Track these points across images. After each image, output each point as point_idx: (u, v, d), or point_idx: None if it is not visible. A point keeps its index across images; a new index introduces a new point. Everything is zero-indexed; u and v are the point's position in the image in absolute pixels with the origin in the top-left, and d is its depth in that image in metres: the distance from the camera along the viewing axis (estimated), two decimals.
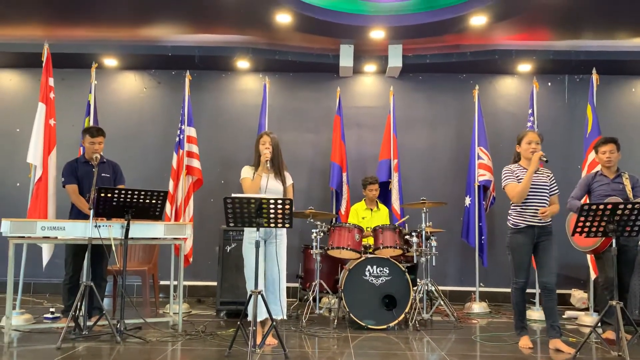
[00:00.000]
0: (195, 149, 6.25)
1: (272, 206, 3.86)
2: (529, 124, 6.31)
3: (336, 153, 6.69)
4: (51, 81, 5.37)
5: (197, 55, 6.92)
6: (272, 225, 3.96)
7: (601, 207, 3.87)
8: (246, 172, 4.51)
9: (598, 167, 5.38)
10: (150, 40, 6.88)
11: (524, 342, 4.41)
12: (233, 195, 3.84)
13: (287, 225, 3.98)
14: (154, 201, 4.50)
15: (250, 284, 4.39)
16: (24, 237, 4.39)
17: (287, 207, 3.87)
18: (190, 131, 6.24)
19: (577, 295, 6.78)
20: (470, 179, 6.62)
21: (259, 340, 4.16)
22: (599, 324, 4.85)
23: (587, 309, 6.29)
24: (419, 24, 5.94)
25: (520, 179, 4.34)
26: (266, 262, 4.42)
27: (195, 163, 6.22)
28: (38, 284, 7.04)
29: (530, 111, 6.35)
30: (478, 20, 5.86)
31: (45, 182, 5.22)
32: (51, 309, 5.42)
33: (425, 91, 7.48)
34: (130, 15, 6.22)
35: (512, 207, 4.45)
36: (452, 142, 7.37)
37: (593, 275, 5.65)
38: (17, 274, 5.16)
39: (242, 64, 7.24)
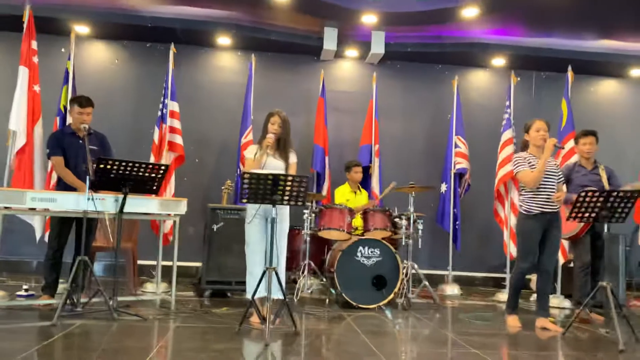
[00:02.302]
0: (177, 124, 6.08)
1: (288, 183, 3.84)
2: (506, 116, 6.58)
3: (320, 136, 6.72)
4: (34, 44, 5.04)
5: (179, 28, 6.69)
6: (285, 202, 3.94)
7: (597, 194, 4.13)
8: (250, 151, 4.46)
9: (573, 159, 5.74)
10: (128, 9, 6.57)
11: (513, 321, 4.62)
12: (252, 170, 3.79)
13: (299, 202, 3.97)
14: (153, 174, 4.34)
15: (251, 262, 4.36)
16: (10, 207, 4.13)
17: (304, 184, 3.87)
18: (174, 106, 6.05)
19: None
20: (447, 166, 6.84)
21: (257, 318, 4.15)
22: (575, 304, 5.20)
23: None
24: (411, 11, 6.04)
25: (533, 165, 4.45)
26: (267, 240, 4.38)
27: (178, 139, 6.06)
28: None
29: (507, 103, 6.63)
30: (470, 12, 6.03)
31: (30, 152, 4.94)
32: (24, 287, 5.13)
33: (402, 79, 7.62)
34: None
35: (523, 194, 4.54)
36: (426, 130, 7.57)
37: (561, 260, 6.01)
38: None
39: (224, 40, 7.07)
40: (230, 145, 7.13)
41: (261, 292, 4.13)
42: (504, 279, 6.53)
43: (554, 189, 4.48)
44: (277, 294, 4.17)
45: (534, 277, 7.12)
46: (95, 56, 7.19)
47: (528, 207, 4.49)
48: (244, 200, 3.90)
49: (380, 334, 4.10)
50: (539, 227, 4.45)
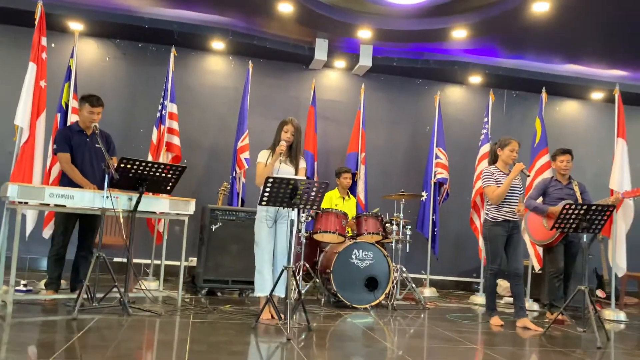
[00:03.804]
0: (175, 125, 6.20)
1: (307, 188, 4.09)
2: (484, 131, 7.06)
3: (309, 142, 6.98)
4: (44, 40, 5.08)
5: (177, 30, 6.81)
6: (302, 206, 4.19)
7: (579, 207, 4.59)
8: (262, 156, 4.68)
9: (548, 174, 6.26)
10: (124, 9, 6.65)
11: (495, 320, 5.05)
12: (275, 175, 4.02)
13: (315, 206, 4.23)
14: (169, 175, 4.49)
15: (260, 261, 4.56)
16: (27, 203, 4.18)
17: (322, 189, 4.13)
18: (173, 108, 6.18)
19: (503, 285, 7.69)
20: (427, 175, 7.25)
21: (267, 315, 4.38)
22: (543, 306, 5.68)
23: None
24: (404, 29, 6.40)
25: (499, 181, 4.96)
26: (276, 241, 4.60)
27: (176, 140, 6.18)
28: None
29: (485, 120, 7.11)
30: (459, 33, 6.47)
31: (32, 145, 4.97)
32: (23, 282, 5.13)
33: (385, 91, 8.00)
34: None
35: (489, 204, 5.06)
36: (407, 140, 7.98)
37: (537, 267, 6.49)
38: None
39: (217, 45, 7.23)
40: (219, 147, 7.31)
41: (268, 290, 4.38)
42: (475, 283, 6.97)
43: (516, 201, 5.02)
44: (283, 293, 4.43)
45: (501, 283, 7.66)
46: (88, 53, 7.18)
47: (494, 215, 5.02)
48: (263, 203, 4.11)
49: (386, 332, 4.41)
50: (504, 233, 4.99)
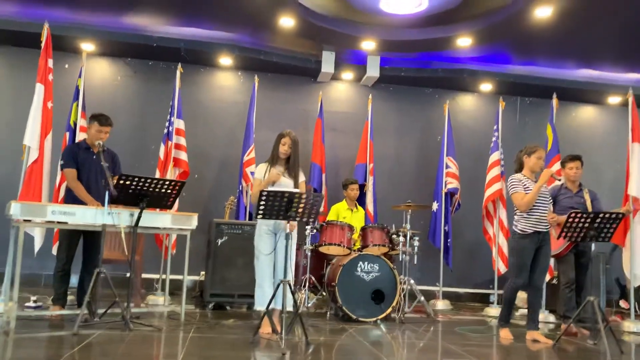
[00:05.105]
0: (183, 141, 6.28)
1: (302, 201, 4.07)
2: (494, 138, 6.95)
3: (317, 154, 6.98)
4: (50, 62, 5.21)
5: (184, 48, 6.92)
6: (298, 219, 4.18)
7: (585, 215, 4.46)
8: (259, 171, 4.66)
9: (557, 182, 6.10)
10: (133, 28, 6.79)
11: (505, 333, 4.91)
12: (270, 188, 4.02)
13: (312, 219, 4.21)
14: (169, 190, 4.53)
15: (260, 276, 4.55)
16: (30, 220, 4.27)
17: (317, 202, 4.11)
18: (179, 123, 6.26)
19: (520, 296, 7.51)
20: (438, 185, 7.16)
21: (267, 329, 4.35)
22: (559, 318, 5.52)
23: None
24: (408, 39, 6.37)
25: (528, 188, 4.78)
26: (276, 255, 4.58)
27: (183, 155, 6.25)
28: None
29: (495, 127, 6.99)
30: (464, 41, 6.41)
31: (40, 164, 5.09)
32: (33, 298, 5.23)
33: (394, 101, 7.96)
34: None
35: (518, 214, 4.83)
36: (417, 150, 7.91)
37: (547, 277, 6.33)
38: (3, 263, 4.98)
39: (225, 60, 7.32)
40: (229, 161, 7.36)
41: (275, 304, 4.35)
42: (491, 294, 6.81)
43: (546, 209, 4.81)
44: (288, 306, 4.38)
45: (519, 294, 7.48)
46: (99, 73, 7.34)
47: (523, 227, 4.79)
48: (259, 216, 4.11)
49: (387, 346, 4.34)
50: (532, 246, 4.76)
